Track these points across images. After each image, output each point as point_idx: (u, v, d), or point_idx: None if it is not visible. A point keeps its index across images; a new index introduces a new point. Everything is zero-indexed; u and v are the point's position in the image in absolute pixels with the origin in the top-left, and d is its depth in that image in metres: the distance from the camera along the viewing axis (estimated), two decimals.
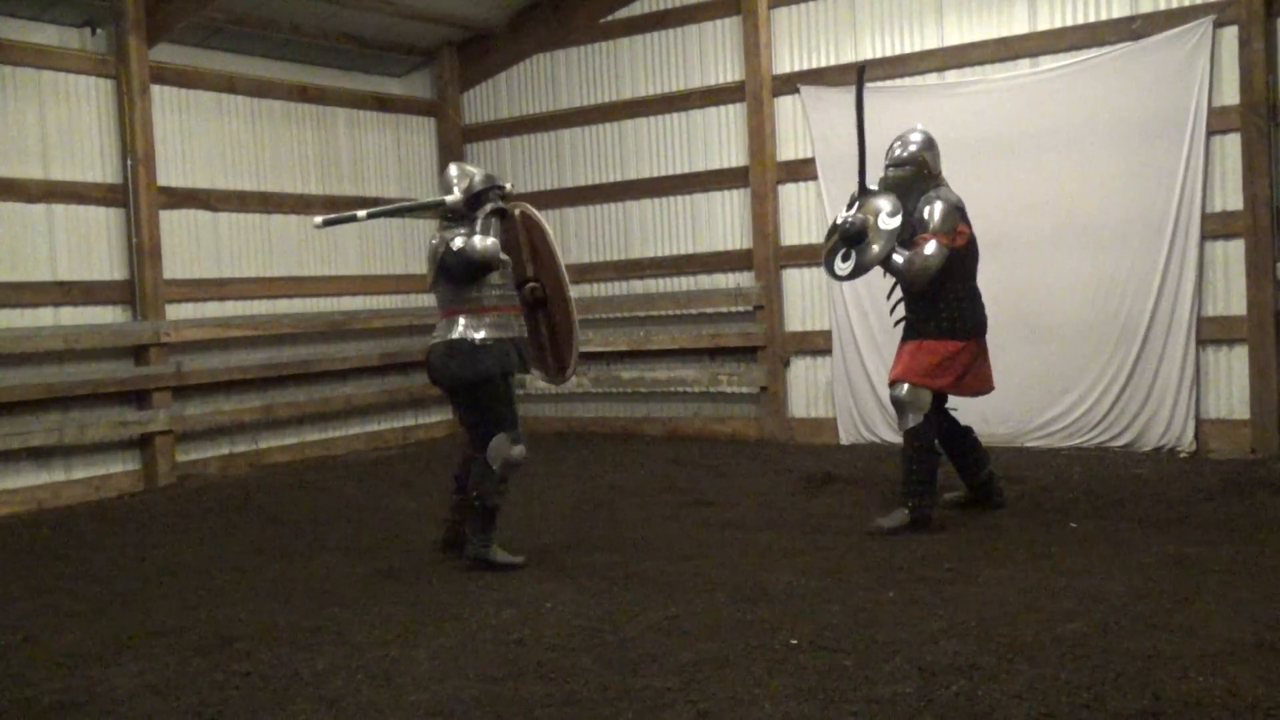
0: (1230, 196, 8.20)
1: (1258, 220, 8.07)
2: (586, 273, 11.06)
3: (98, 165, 9.09)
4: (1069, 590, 5.10)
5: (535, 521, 7.15)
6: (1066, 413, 8.73)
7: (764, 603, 5.14)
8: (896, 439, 6.95)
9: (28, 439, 8.42)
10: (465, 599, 5.46)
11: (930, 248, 6.37)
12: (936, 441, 6.52)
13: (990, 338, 6.72)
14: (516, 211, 6.21)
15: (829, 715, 3.83)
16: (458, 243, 5.87)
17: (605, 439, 10.75)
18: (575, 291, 6.59)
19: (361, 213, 6.23)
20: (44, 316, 8.70)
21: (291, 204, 10.44)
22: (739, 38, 10.17)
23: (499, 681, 4.30)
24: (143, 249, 9.14)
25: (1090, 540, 6.04)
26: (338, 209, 9.99)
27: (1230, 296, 8.25)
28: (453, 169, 6.16)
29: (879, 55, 9.46)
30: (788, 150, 10.03)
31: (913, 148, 6.60)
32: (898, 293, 6.67)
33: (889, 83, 9.34)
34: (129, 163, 9.14)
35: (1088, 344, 8.63)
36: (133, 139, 9.12)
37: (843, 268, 6.59)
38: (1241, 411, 8.25)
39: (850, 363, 9.64)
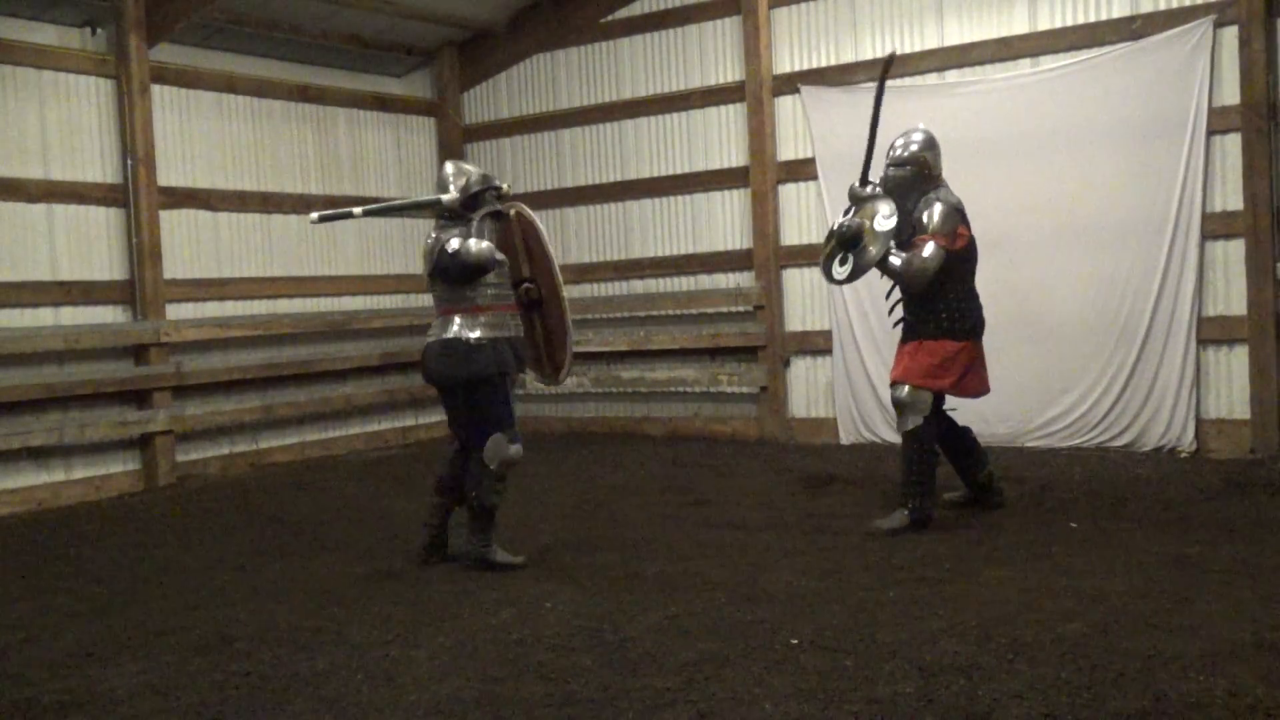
0: (1230, 196, 8.20)
1: (1258, 220, 8.07)
2: (586, 273, 11.03)
3: (98, 165, 9.09)
4: (1069, 590, 5.10)
5: (535, 521, 7.15)
6: (1066, 413, 8.73)
7: (764, 603, 5.14)
8: (897, 439, 6.95)
9: (28, 439, 8.42)
10: (465, 599, 5.45)
11: (928, 249, 6.36)
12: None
13: (990, 338, 6.72)
14: (511, 212, 6.20)
15: (829, 715, 3.83)
16: (453, 245, 5.86)
17: (605, 439, 10.74)
18: (576, 291, 6.60)
19: (357, 209, 6.25)
20: (44, 316, 8.70)
21: (292, 204, 10.44)
22: (739, 38, 10.17)
23: (499, 681, 4.30)
24: (143, 249, 9.14)
25: (1090, 540, 6.04)
26: (337, 209, 9.97)
27: (1230, 297, 8.25)
28: (449, 167, 6.13)
29: (879, 55, 9.43)
30: (788, 150, 10.03)
31: (914, 147, 6.60)
32: (896, 293, 6.67)
33: (889, 82, 9.29)
34: (129, 163, 9.14)
35: (1088, 344, 8.63)
36: (133, 139, 9.12)
37: (840, 271, 6.57)
38: (1241, 411, 8.25)
39: (850, 363, 9.64)
